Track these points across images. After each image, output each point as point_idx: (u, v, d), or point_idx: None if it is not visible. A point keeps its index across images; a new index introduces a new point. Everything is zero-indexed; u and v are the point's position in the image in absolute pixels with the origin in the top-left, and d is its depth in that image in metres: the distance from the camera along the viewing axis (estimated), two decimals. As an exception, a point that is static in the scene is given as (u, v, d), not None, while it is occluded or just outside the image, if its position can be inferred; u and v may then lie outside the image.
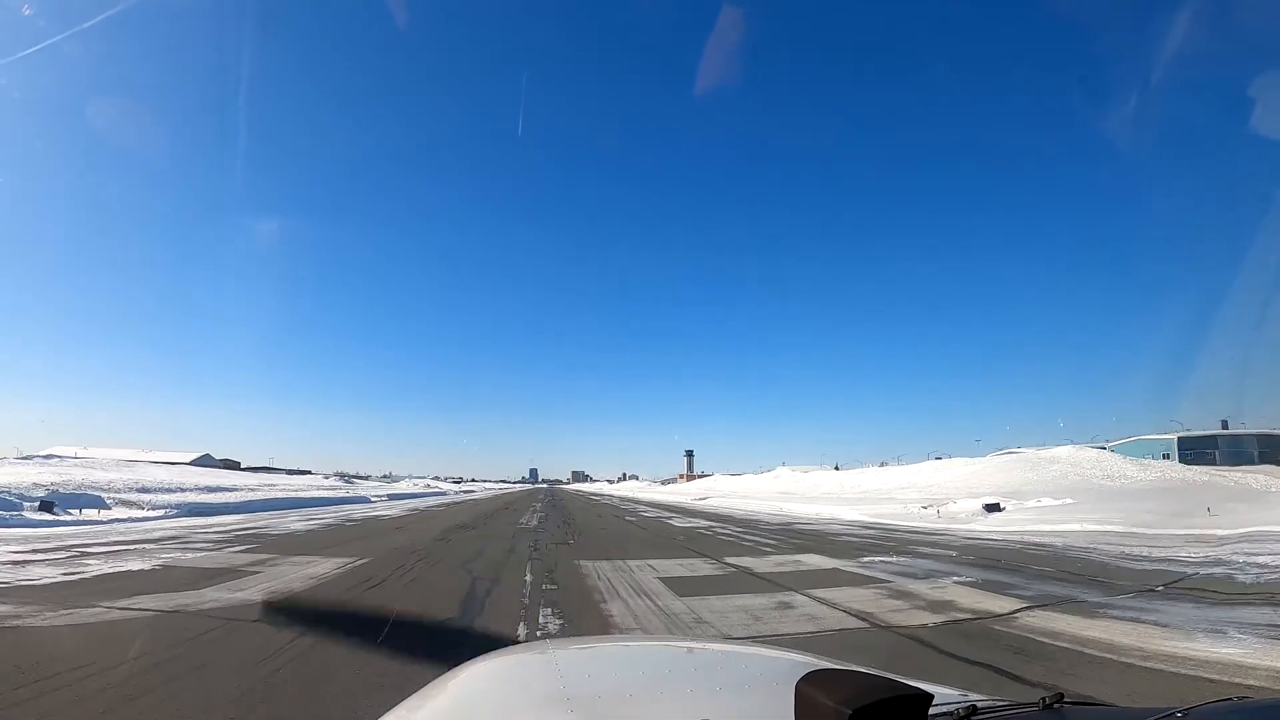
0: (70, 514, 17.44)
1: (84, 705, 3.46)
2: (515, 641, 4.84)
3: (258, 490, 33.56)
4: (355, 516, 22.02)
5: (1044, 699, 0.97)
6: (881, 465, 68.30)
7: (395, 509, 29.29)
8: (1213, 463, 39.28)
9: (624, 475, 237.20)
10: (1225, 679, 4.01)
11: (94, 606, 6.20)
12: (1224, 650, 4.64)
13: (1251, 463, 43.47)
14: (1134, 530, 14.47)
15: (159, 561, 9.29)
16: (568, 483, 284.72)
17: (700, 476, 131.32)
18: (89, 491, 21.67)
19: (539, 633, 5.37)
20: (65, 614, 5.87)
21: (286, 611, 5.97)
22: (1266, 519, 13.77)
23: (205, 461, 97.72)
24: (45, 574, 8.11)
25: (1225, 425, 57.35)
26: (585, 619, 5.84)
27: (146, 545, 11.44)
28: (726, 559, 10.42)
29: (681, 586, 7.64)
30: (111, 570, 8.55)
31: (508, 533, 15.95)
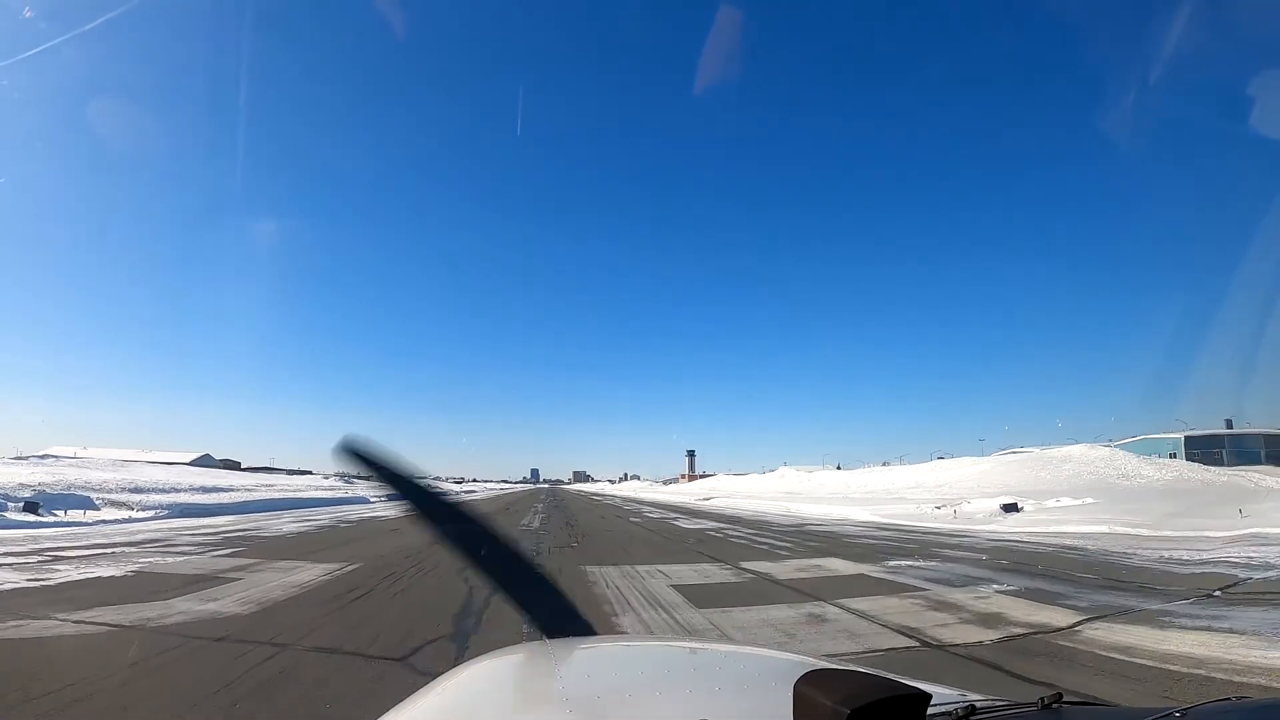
0: (55, 515, 16.82)
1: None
2: None
3: (254, 491, 32.96)
4: (351, 518, 21.37)
5: (1043, 699, 0.96)
6: (884, 465, 67.73)
7: (394, 510, 28.56)
8: (1219, 462, 38.73)
9: (625, 475, 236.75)
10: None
11: (48, 619, 5.57)
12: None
13: (1258, 462, 42.92)
14: (1165, 533, 13.78)
15: (134, 567, 8.64)
16: (569, 483, 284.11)
17: (702, 476, 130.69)
18: (78, 492, 21.05)
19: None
20: (12, 626, 5.24)
21: (260, 627, 5.32)
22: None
23: (205, 462, 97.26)
24: (7, 580, 7.48)
25: (1230, 425, 56.97)
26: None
27: (126, 549, 10.81)
28: (742, 564, 9.74)
29: (698, 596, 6.97)
30: (80, 577, 7.92)
31: (509, 535, 15.28)
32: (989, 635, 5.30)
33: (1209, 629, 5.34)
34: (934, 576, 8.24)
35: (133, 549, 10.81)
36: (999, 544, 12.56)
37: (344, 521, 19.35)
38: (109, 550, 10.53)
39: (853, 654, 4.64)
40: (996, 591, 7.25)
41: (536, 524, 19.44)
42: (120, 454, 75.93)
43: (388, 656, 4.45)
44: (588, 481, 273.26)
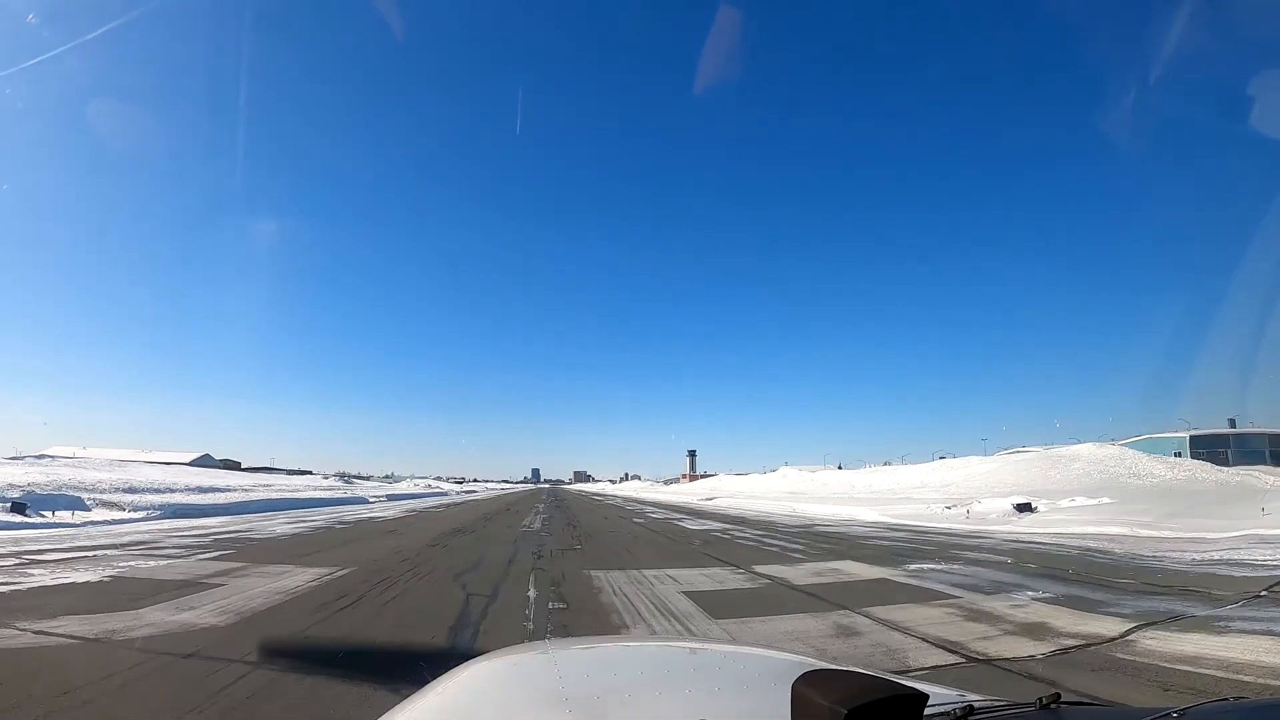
0: (43, 516, 16.34)
1: None
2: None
3: (252, 491, 32.48)
4: (348, 519, 20.91)
5: (1040, 699, 0.96)
6: (885, 465, 67.12)
7: (392, 510, 28.20)
8: (1225, 462, 38.21)
9: (626, 475, 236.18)
10: None
11: (6, 628, 5.12)
12: None
13: (1263, 462, 42.43)
14: (1189, 534, 13.28)
15: (112, 572, 8.16)
16: (570, 483, 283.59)
17: (703, 476, 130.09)
18: (69, 492, 20.58)
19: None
20: (-37, 638, 4.77)
21: (234, 640, 4.83)
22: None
23: (205, 462, 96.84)
24: (-26, 586, 7.01)
25: (1233, 424, 56.59)
26: (604, 650, 4.69)
27: (108, 551, 10.33)
28: (755, 568, 9.24)
29: (713, 604, 6.48)
30: (53, 582, 7.45)
31: (509, 537, 14.79)
32: (1039, 648, 4.83)
33: (1269, 632, 5.04)
34: (961, 582, 7.74)
35: (116, 552, 10.33)
36: (1020, 546, 12.06)
37: (340, 523, 18.87)
38: (91, 553, 10.05)
39: (896, 672, 4.14)
40: (1032, 599, 6.76)
41: (538, 525, 18.96)
42: (119, 454, 75.50)
43: (373, 677, 3.96)
44: (588, 481, 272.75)
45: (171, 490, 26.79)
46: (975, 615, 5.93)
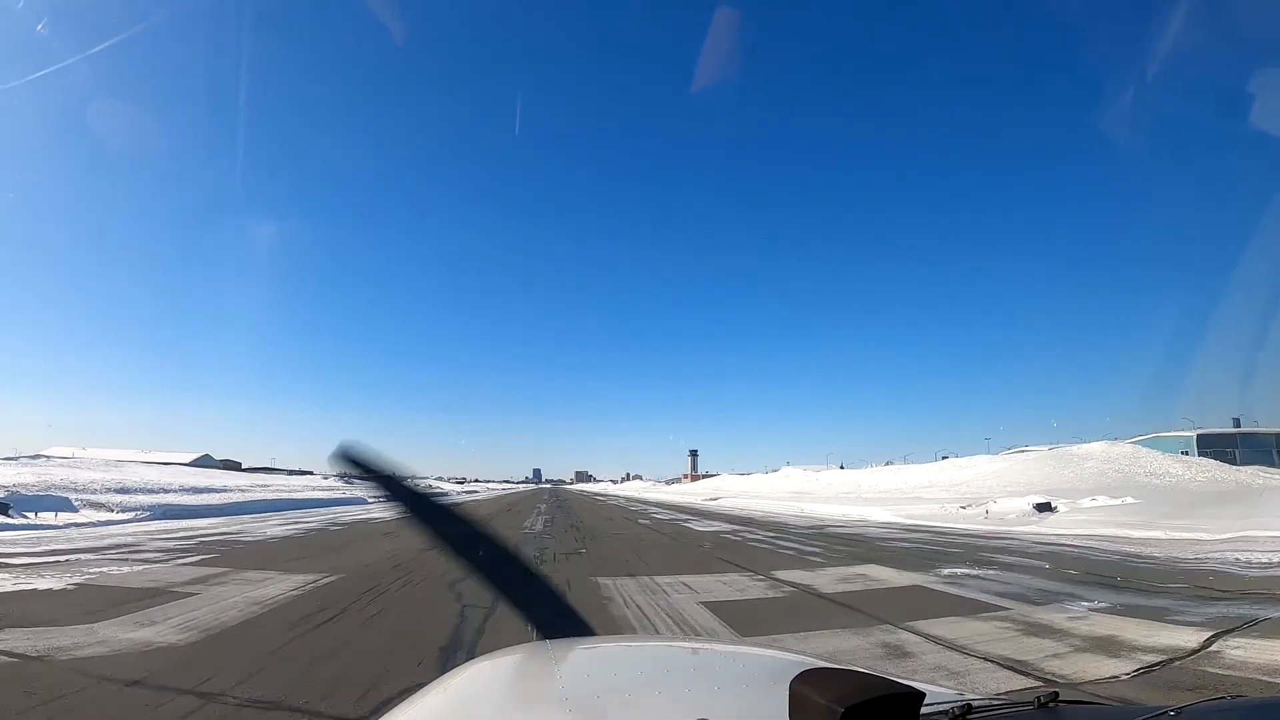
0: (26, 517, 15.72)
1: None
2: None
3: (249, 491, 31.86)
4: (344, 520, 20.28)
5: (1039, 697, 0.96)
6: (887, 464, 66.35)
7: (390, 512, 27.49)
8: (1232, 461, 37.66)
9: (627, 475, 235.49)
10: None
11: (-59, 648, 4.48)
12: None
13: (1271, 461, 41.73)
14: (1225, 536, 12.60)
15: (80, 578, 7.53)
16: (571, 483, 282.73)
17: (704, 476, 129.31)
18: (57, 493, 19.96)
19: None
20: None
21: (191, 664, 4.19)
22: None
23: (205, 462, 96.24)
24: (-78, 596, 6.39)
25: (1237, 423, 56.02)
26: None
27: (83, 556, 9.69)
28: (775, 573, 8.57)
29: (737, 617, 5.82)
30: (14, 588, 6.87)
31: (510, 540, 14.14)
32: (1119, 666, 4.22)
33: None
34: (1004, 591, 7.07)
35: (91, 556, 9.70)
36: (1051, 549, 11.38)
37: (335, 524, 18.24)
38: (64, 558, 9.42)
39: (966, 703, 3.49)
40: (1089, 609, 6.11)
41: (540, 526, 18.30)
42: (118, 454, 74.92)
43: (345, 718, 3.31)
44: (590, 481, 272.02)
45: (165, 491, 26.17)
46: (1034, 629, 5.28)
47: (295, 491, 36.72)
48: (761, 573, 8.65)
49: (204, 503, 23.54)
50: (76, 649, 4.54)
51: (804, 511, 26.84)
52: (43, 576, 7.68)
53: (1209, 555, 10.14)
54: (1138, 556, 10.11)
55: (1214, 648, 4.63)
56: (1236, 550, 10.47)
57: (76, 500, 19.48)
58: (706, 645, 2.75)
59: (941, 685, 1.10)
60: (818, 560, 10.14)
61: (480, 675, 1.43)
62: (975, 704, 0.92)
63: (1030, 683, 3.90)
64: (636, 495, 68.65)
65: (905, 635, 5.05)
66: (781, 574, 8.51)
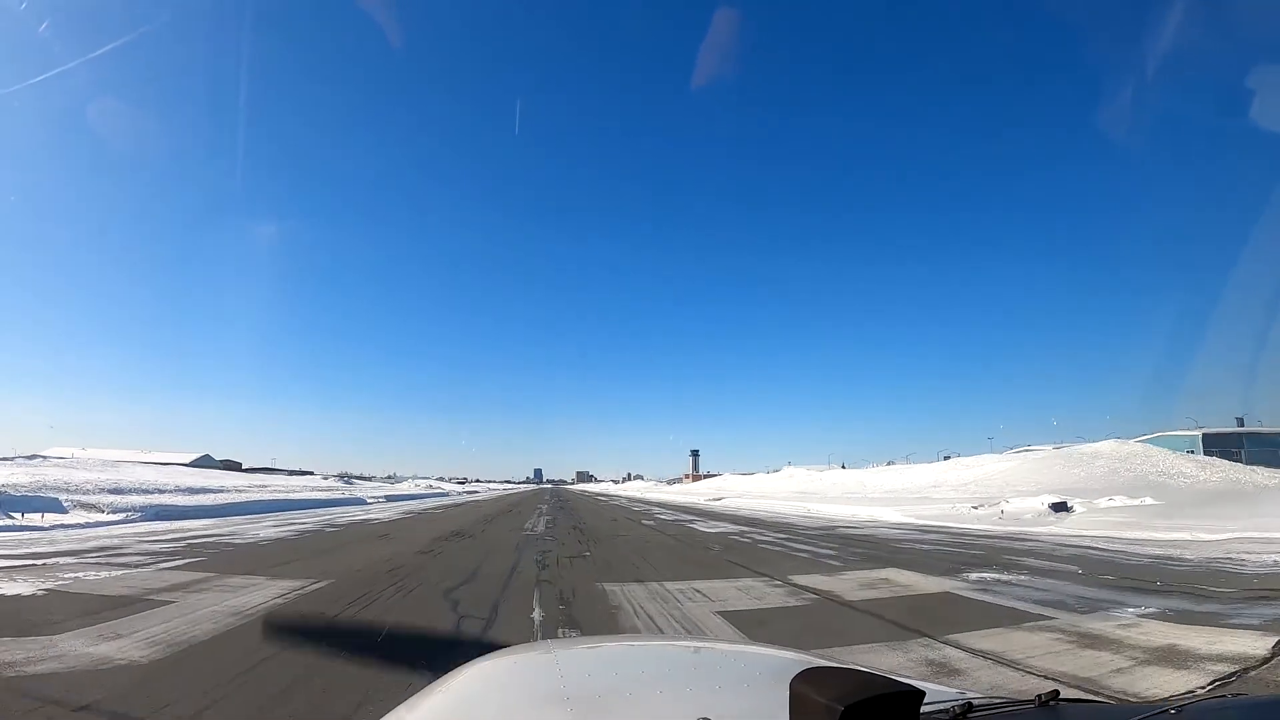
0: (12, 518, 15.26)
1: None
2: None
3: (246, 491, 31.38)
4: (340, 521, 19.81)
5: (1039, 696, 0.96)
6: (889, 464, 65.74)
7: (390, 511, 27.10)
8: (1239, 460, 37.14)
9: (629, 475, 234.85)
10: None
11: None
12: None
13: (1276, 462, 41.16)
14: (1260, 535, 12.12)
15: (52, 584, 7.05)
16: (572, 483, 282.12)
17: (706, 476, 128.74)
18: (49, 493, 19.51)
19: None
20: None
21: (148, 686, 3.70)
22: None
23: (205, 462, 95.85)
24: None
25: (1241, 423, 55.62)
26: None
27: (63, 559, 9.22)
28: (792, 578, 8.07)
29: (758, 629, 5.33)
30: (-21, 597, 6.36)
31: (511, 542, 13.65)
32: (1191, 679, 3.79)
33: None
34: (1043, 598, 6.57)
35: (71, 559, 9.22)
36: (1077, 552, 10.88)
37: (331, 526, 17.77)
38: (41, 561, 8.95)
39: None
40: (1138, 616, 5.64)
41: (541, 528, 17.81)
42: (117, 455, 74.51)
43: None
44: (591, 482, 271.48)
45: (160, 491, 25.70)
46: (1087, 641, 4.79)
47: (294, 492, 36.28)
48: (778, 578, 8.15)
49: (198, 504, 23.06)
50: (28, 664, 4.07)
51: (810, 512, 26.34)
52: (14, 581, 7.21)
53: (1244, 556, 9.66)
54: (1170, 558, 9.62)
55: (1287, 659, 4.20)
56: (1271, 551, 10.00)
57: (67, 501, 19.02)
58: (708, 644, 2.75)
59: (941, 684, 1.03)
60: (835, 564, 9.64)
61: (482, 674, 1.43)
62: (976, 702, 0.92)
63: (1104, 704, 3.42)
64: (638, 495, 68.13)
65: (949, 650, 4.56)
66: (799, 579, 8.02)
